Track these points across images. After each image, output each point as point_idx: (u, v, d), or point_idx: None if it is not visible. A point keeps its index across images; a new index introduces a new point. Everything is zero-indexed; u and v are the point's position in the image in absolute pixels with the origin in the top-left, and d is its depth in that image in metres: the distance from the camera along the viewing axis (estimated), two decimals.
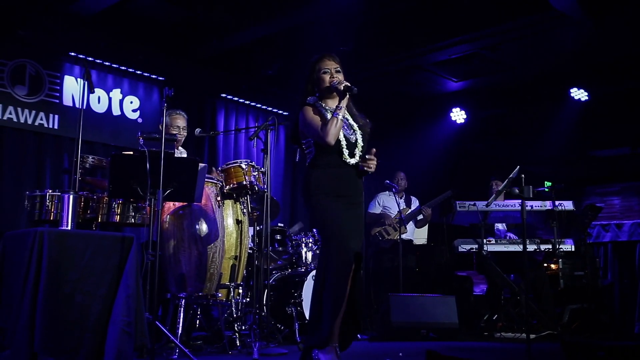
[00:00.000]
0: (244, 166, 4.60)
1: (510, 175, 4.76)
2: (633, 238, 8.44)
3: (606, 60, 6.65)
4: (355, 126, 3.59)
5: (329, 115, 3.46)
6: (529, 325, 5.27)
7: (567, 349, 2.80)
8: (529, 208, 6.17)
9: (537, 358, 3.36)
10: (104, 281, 3.33)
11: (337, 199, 3.45)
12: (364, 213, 3.73)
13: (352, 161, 3.50)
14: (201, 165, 4.11)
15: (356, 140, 3.54)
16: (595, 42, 6.17)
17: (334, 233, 3.37)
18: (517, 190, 4.00)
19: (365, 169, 3.50)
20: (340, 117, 3.38)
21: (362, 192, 3.63)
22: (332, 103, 3.57)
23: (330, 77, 3.54)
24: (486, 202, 6.07)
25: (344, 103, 3.42)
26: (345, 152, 3.48)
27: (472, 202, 6.10)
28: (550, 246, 6.23)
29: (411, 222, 7.15)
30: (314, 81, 3.60)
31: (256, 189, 4.67)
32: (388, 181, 6.82)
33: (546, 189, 6.35)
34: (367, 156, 3.52)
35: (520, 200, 6.22)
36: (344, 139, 3.48)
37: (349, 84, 3.46)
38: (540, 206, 6.21)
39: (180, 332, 4.13)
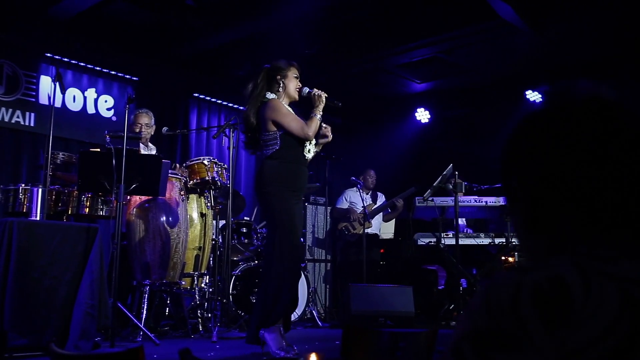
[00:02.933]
0: (206, 162, 4.92)
1: (444, 172, 5.07)
2: None
3: (553, 65, 7.01)
4: None
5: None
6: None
7: None
8: (483, 204, 6.51)
9: None
10: (70, 267, 3.64)
11: (292, 193, 3.75)
12: None
13: (309, 156, 3.88)
14: (164, 161, 4.41)
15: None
16: (542, 49, 6.53)
17: (287, 226, 3.64)
18: (450, 186, 4.33)
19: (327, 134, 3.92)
20: (319, 117, 3.77)
21: None
22: (286, 102, 3.90)
23: (298, 84, 3.91)
24: (424, 197, 6.31)
25: (321, 107, 3.81)
26: (307, 147, 3.82)
27: (430, 198, 6.40)
28: (504, 239, 6.55)
29: (378, 216, 7.44)
30: (282, 80, 3.86)
31: (218, 184, 4.98)
32: (354, 178, 7.10)
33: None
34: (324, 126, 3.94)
35: (476, 197, 6.64)
36: None
37: (332, 97, 3.86)
38: (495, 202, 6.53)
39: (144, 316, 4.43)
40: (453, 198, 6.54)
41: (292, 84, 3.88)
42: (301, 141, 3.78)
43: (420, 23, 6.28)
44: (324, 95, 3.83)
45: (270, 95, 3.85)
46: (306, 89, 3.89)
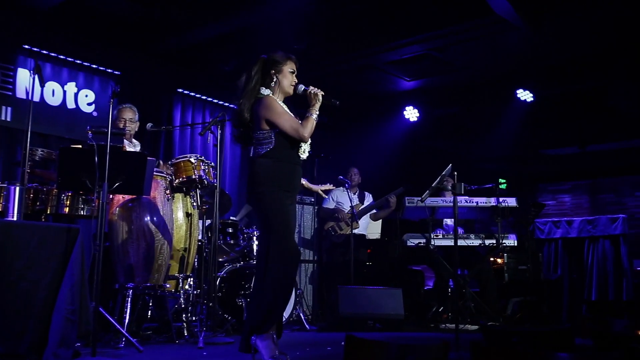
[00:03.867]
0: (193, 160, 4.72)
1: (443, 173, 4.96)
2: (582, 234, 8.78)
3: (547, 63, 6.94)
4: None
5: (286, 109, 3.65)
6: (457, 315, 5.49)
7: (486, 334, 3.00)
8: (474, 204, 6.40)
9: (463, 345, 3.56)
10: (49, 270, 3.42)
11: (286, 193, 3.58)
12: None
13: (304, 156, 3.69)
14: (149, 159, 4.21)
15: None
16: (536, 46, 6.45)
17: (281, 228, 3.47)
18: (449, 187, 4.20)
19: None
20: (315, 117, 3.58)
21: None
22: (281, 99, 3.72)
23: (293, 79, 3.71)
24: (421, 198, 6.20)
25: (318, 106, 3.62)
26: (302, 147, 3.65)
27: (419, 198, 6.27)
28: (494, 241, 6.45)
29: (365, 216, 7.29)
30: (277, 75, 3.68)
31: (205, 182, 4.79)
32: (341, 177, 6.96)
33: (501, 186, 6.54)
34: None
35: (466, 197, 6.52)
36: None
37: (329, 96, 3.67)
38: (485, 202, 6.41)
39: (127, 321, 4.22)
40: (443, 199, 6.43)
41: (287, 79, 3.70)
42: (296, 141, 3.61)
43: (413, 19, 6.16)
44: (320, 93, 3.65)
45: (265, 92, 3.67)
46: (301, 87, 3.71)
